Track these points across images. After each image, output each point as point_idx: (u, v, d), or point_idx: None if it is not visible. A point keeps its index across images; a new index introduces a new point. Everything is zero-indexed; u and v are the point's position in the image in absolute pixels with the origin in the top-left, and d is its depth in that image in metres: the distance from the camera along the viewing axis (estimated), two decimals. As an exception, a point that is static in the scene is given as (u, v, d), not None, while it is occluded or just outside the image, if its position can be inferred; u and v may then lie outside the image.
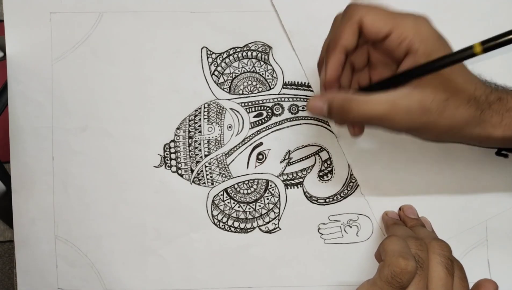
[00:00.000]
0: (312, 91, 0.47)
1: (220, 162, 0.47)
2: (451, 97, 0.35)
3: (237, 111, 0.47)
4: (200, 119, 0.47)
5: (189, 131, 0.47)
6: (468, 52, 0.31)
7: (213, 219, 0.47)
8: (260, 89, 0.47)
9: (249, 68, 0.47)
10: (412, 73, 0.34)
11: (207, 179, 0.47)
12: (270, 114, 0.47)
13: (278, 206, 0.46)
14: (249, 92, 0.47)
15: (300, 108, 0.47)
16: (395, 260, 0.35)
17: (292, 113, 0.47)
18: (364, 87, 0.37)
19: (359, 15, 0.35)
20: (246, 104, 0.47)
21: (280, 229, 0.46)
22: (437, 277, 0.36)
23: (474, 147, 0.41)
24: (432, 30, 0.35)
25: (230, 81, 0.47)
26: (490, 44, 0.30)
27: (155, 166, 0.47)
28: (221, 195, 0.47)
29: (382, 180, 0.46)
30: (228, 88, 0.47)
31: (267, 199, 0.46)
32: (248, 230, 0.47)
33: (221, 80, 0.47)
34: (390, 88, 0.35)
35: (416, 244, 0.37)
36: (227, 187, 0.47)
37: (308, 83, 0.47)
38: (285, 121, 0.47)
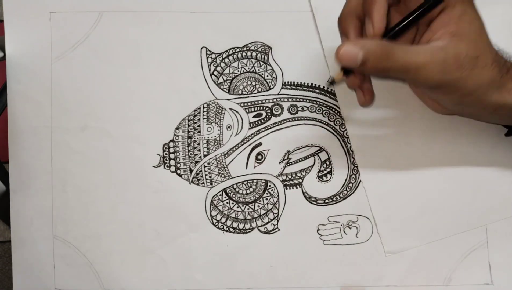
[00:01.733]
0: (315, 90, 0.47)
1: (219, 162, 0.46)
2: (481, 55, 0.36)
3: (237, 111, 0.47)
4: (199, 119, 0.47)
5: (188, 131, 0.47)
6: None
7: (212, 220, 0.46)
8: (259, 89, 0.47)
9: (248, 68, 0.47)
10: (425, 6, 0.35)
11: (206, 179, 0.46)
12: (269, 114, 0.47)
13: (277, 206, 0.46)
14: (249, 92, 0.47)
15: (300, 109, 0.46)
16: None
17: (291, 114, 0.46)
18: (387, 34, 0.36)
19: None
20: (245, 104, 0.47)
21: (279, 230, 0.46)
22: None
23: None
24: None
25: (230, 81, 0.47)
26: None
27: (154, 166, 0.47)
28: (220, 195, 0.46)
29: (384, 173, 0.46)
30: (227, 88, 0.47)
31: (266, 199, 0.46)
32: (247, 231, 0.46)
33: (221, 80, 0.47)
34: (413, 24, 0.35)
35: None
36: (226, 187, 0.46)
37: (307, 83, 0.47)
38: (285, 121, 0.46)
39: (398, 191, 0.46)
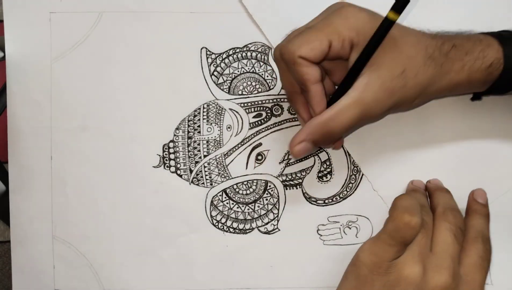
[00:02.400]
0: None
1: (219, 163, 0.46)
2: (406, 67, 0.36)
3: (237, 112, 0.47)
4: (199, 120, 0.47)
5: (188, 132, 0.47)
6: (387, 22, 0.33)
7: (212, 220, 0.46)
8: (259, 90, 0.47)
9: (248, 68, 0.47)
10: (357, 65, 0.36)
11: (206, 179, 0.46)
12: (269, 114, 0.47)
13: (277, 207, 0.46)
14: (249, 93, 0.47)
15: (300, 109, 0.46)
16: (401, 214, 0.35)
17: (291, 114, 0.46)
18: (329, 101, 0.39)
19: (297, 55, 0.35)
20: (245, 104, 0.47)
21: (279, 230, 0.46)
22: (443, 241, 0.36)
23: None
24: (359, 14, 0.35)
25: (230, 81, 0.47)
26: (398, 6, 0.32)
27: (154, 166, 0.46)
28: (220, 195, 0.46)
29: (390, 175, 0.46)
30: (227, 89, 0.47)
31: (266, 199, 0.46)
32: (247, 231, 0.46)
33: (221, 80, 0.47)
34: (349, 87, 0.36)
35: (423, 209, 0.38)
36: (226, 188, 0.46)
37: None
38: (285, 121, 0.47)
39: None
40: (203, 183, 0.46)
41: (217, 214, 0.46)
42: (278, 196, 0.46)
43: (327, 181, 0.46)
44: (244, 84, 0.47)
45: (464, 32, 0.40)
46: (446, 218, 0.37)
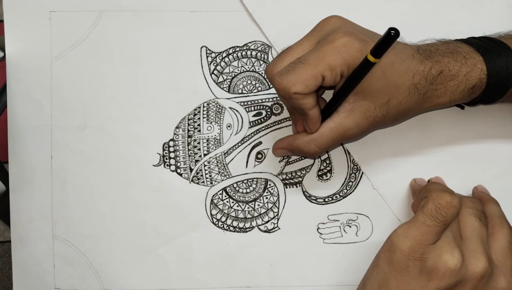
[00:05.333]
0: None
1: (219, 161, 0.46)
2: (391, 97, 0.37)
3: (237, 110, 0.47)
4: (199, 118, 0.47)
5: (188, 130, 0.47)
6: (367, 64, 0.35)
7: (212, 219, 0.46)
8: (259, 88, 0.47)
9: (248, 67, 0.47)
10: (342, 93, 0.37)
11: (206, 178, 0.46)
12: (269, 113, 0.47)
13: (277, 205, 0.46)
14: (249, 91, 0.47)
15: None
16: (441, 194, 0.35)
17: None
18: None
19: (292, 92, 0.36)
20: (245, 103, 0.47)
21: (279, 228, 0.46)
22: (471, 226, 0.36)
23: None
24: (351, 46, 0.36)
25: (230, 80, 0.47)
26: (377, 51, 0.33)
27: (154, 165, 0.47)
28: (220, 194, 0.46)
29: (390, 173, 0.46)
30: (227, 87, 0.47)
31: (266, 198, 0.46)
32: (247, 230, 0.46)
33: (221, 79, 0.47)
34: (333, 111, 0.38)
35: None
36: (226, 186, 0.46)
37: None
38: (285, 120, 0.47)
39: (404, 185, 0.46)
40: (203, 182, 0.46)
41: (217, 212, 0.46)
42: (278, 194, 0.46)
43: (327, 179, 0.46)
44: (244, 83, 0.47)
45: (451, 43, 0.39)
46: (466, 204, 0.37)
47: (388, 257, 0.35)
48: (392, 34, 0.32)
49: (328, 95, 0.42)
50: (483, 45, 0.39)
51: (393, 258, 0.35)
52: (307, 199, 0.46)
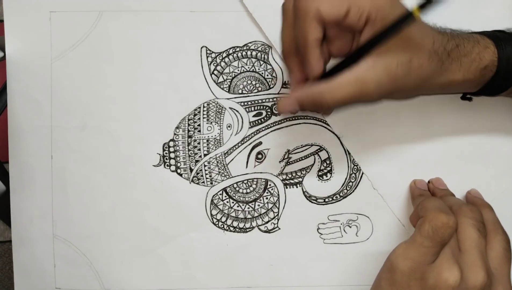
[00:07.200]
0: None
1: (219, 162, 0.46)
2: (413, 56, 0.36)
3: (237, 111, 0.47)
4: (199, 118, 0.47)
5: (189, 130, 0.47)
6: (409, 17, 0.33)
7: (212, 219, 0.46)
8: (259, 89, 0.47)
9: (248, 67, 0.47)
10: (368, 45, 0.35)
11: (206, 178, 0.46)
12: (269, 113, 0.47)
13: (277, 205, 0.46)
14: (249, 92, 0.47)
15: (300, 108, 0.46)
16: (437, 215, 0.35)
17: (291, 113, 0.46)
18: (328, 72, 0.37)
19: (315, 7, 0.34)
20: (245, 103, 0.47)
21: (279, 228, 0.46)
22: (469, 238, 0.36)
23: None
24: None
25: (230, 80, 0.47)
26: (426, 7, 0.32)
27: (154, 165, 0.47)
28: (220, 194, 0.46)
29: (390, 173, 0.46)
30: (227, 88, 0.47)
31: (266, 198, 0.46)
32: (247, 230, 0.46)
33: (221, 79, 0.47)
34: (354, 63, 0.35)
35: None
36: (226, 187, 0.46)
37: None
38: (285, 120, 0.47)
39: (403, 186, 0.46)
40: (203, 182, 0.46)
41: (217, 213, 0.46)
42: (278, 195, 0.46)
43: (327, 180, 0.46)
44: (244, 83, 0.47)
45: (463, 31, 0.40)
46: (465, 214, 0.37)
47: (389, 277, 0.36)
48: None
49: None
50: (494, 34, 0.39)
51: (395, 279, 0.35)
52: (307, 199, 0.46)
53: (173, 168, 0.47)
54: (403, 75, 0.36)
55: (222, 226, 0.46)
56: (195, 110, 0.47)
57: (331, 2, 0.34)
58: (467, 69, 0.38)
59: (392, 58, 0.35)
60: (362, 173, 0.46)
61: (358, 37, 0.36)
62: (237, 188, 0.46)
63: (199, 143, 0.47)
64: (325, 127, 0.46)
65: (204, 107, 0.47)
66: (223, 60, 0.47)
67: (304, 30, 0.35)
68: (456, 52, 0.37)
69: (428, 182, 0.45)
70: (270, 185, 0.46)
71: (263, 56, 0.47)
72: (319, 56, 0.36)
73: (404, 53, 0.36)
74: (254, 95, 0.47)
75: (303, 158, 0.46)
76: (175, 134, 0.47)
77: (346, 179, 0.46)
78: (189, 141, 0.47)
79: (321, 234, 0.46)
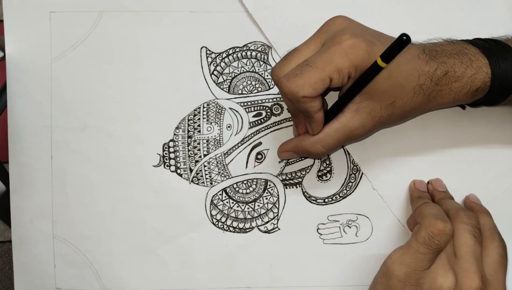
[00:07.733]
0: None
1: (219, 162, 0.46)
2: (396, 98, 0.37)
3: (236, 111, 0.47)
4: (199, 119, 0.47)
5: (188, 131, 0.47)
6: (376, 67, 0.34)
7: (212, 219, 0.46)
8: (259, 89, 0.47)
9: (248, 67, 0.47)
10: (348, 95, 0.37)
11: (206, 178, 0.46)
12: (269, 113, 0.47)
13: (277, 206, 0.46)
14: (249, 92, 0.47)
15: (299, 108, 0.47)
16: (433, 221, 0.35)
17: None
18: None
19: (299, 94, 0.36)
20: (245, 103, 0.47)
21: (279, 229, 0.46)
22: (465, 244, 0.36)
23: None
24: (359, 47, 0.35)
25: (230, 80, 0.47)
26: (388, 56, 0.33)
27: (154, 166, 0.47)
28: (220, 194, 0.46)
29: (390, 174, 0.46)
30: (227, 88, 0.47)
31: (266, 199, 0.46)
32: (247, 230, 0.46)
33: (221, 79, 0.47)
34: (339, 112, 0.38)
35: None
36: (226, 187, 0.47)
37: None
38: (284, 121, 0.47)
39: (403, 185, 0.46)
40: (203, 182, 0.46)
41: (217, 213, 0.46)
42: (278, 195, 0.46)
43: (327, 180, 0.46)
44: (244, 84, 0.47)
45: (459, 43, 0.39)
46: (462, 220, 0.37)
47: (385, 282, 0.36)
48: (403, 40, 0.31)
49: (331, 99, 0.42)
50: (489, 48, 0.38)
51: (390, 284, 0.36)
52: (307, 199, 0.46)
53: (173, 168, 0.47)
54: (387, 115, 0.38)
55: (222, 226, 0.46)
56: (195, 110, 0.47)
57: (311, 84, 0.35)
58: (457, 92, 0.38)
59: (375, 102, 0.37)
60: (362, 173, 0.46)
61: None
62: (237, 189, 0.47)
63: (199, 144, 0.47)
64: (325, 128, 0.46)
65: (204, 107, 0.47)
66: (223, 61, 0.47)
67: (303, 109, 0.37)
68: (445, 79, 0.37)
69: (428, 182, 0.45)
70: (269, 185, 0.46)
71: (263, 56, 0.47)
72: (321, 119, 0.38)
73: (388, 95, 0.37)
74: (254, 96, 0.47)
75: (302, 158, 0.46)
76: (175, 134, 0.47)
77: (345, 179, 0.46)
78: (189, 142, 0.47)
79: (321, 234, 0.46)
